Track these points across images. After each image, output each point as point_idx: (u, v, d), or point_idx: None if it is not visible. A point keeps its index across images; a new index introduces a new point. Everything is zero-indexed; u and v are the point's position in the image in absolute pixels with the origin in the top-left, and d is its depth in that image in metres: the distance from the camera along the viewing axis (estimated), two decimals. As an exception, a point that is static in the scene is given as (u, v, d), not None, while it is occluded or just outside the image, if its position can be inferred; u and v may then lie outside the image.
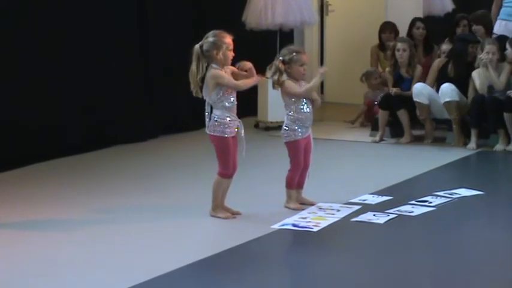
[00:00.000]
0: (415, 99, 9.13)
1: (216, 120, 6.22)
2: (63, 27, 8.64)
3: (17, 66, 8.22)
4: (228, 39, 6.22)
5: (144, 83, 9.70)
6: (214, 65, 6.19)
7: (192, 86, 6.19)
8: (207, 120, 6.27)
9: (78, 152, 8.70)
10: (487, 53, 8.87)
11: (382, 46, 10.67)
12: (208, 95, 6.21)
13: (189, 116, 9.92)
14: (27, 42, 8.29)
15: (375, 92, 10.18)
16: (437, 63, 9.35)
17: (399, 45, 9.50)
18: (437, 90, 9.17)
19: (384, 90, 10.04)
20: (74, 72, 8.77)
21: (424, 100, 9.10)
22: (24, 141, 8.23)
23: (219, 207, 6.35)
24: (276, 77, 6.50)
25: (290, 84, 6.48)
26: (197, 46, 6.21)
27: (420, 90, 9.12)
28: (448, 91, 8.97)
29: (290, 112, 6.53)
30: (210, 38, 6.21)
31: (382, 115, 9.40)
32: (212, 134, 6.25)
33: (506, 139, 8.76)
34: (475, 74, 8.98)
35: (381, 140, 9.36)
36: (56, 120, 8.56)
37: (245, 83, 6.30)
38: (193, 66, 6.18)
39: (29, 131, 8.30)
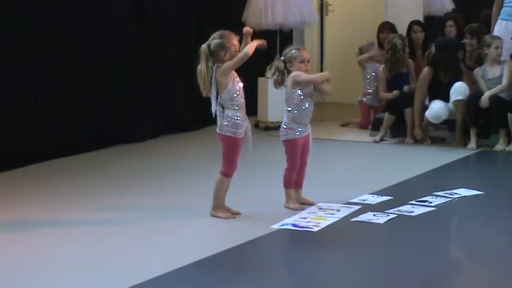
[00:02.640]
0: (432, 120, 9.04)
1: (229, 121, 6.21)
2: (64, 28, 8.65)
3: (17, 67, 8.22)
4: (235, 41, 6.21)
5: (144, 83, 9.70)
6: (220, 65, 6.17)
7: (202, 87, 6.14)
8: (218, 119, 6.24)
9: (78, 152, 8.71)
10: (495, 48, 8.90)
11: (380, 46, 10.67)
12: (220, 95, 6.19)
13: (189, 116, 9.92)
14: (26, 43, 8.29)
15: (371, 62, 10.21)
16: (425, 75, 9.15)
17: (396, 40, 9.50)
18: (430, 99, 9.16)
19: (376, 63, 10.15)
20: (73, 73, 8.77)
21: (437, 122, 9.07)
22: (24, 141, 8.23)
23: (220, 207, 6.35)
24: (275, 77, 6.52)
25: (298, 72, 6.48)
26: (205, 46, 6.15)
27: (439, 114, 8.97)
28: (462, 90, 8.93)
29: (290, 107, 6.53)
30: (217, 39, 6.16)
31: (388, 119, 9.36)
32: (223, 133, 6.23)
33: (506, 139, 8.76)
34: (476, 73, 9.00)
35: (381, 140, 9.36)
36: (56, 120, 8.56)
37: (249, 49, 6.16)
38: (203, 67, 6.12)
39: (29, 131, 8.31)
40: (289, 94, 6.54)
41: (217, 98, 6.22)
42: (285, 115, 6.58)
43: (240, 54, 6.16)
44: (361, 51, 10.44)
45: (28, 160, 8.18)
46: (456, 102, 8.94)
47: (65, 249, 5.69)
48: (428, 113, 9.01)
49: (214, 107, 6.25)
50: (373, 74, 10.22)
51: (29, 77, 8.32)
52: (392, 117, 9.36)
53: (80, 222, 6.33)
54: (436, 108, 8.98)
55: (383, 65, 9.73)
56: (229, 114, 6.21)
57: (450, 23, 10.32)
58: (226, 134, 6.22)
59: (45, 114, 8.46)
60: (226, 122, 6.21)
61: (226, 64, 6.15)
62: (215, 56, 6.16)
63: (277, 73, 6.53)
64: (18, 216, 6.50)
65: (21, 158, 8.12)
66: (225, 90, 6.17)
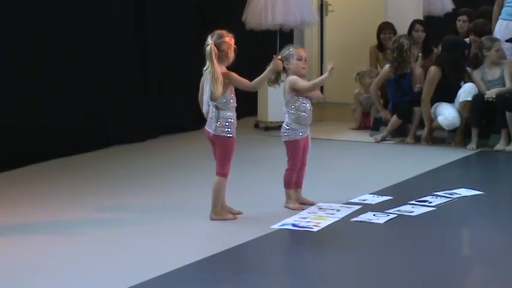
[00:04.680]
0: (446, 128, 9.00)
1: (226, 121, 6.19)
2: (64, 28, 8.64)
3: (18, 67, 8.22)
4: (232, 40, 6.20)
5: (144, 83, 9.70)
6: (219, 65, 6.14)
7: (216, 89, 5.99)
8: (213, 121, 6.20)
9: (78, 152, 8.71)
10: (496, 51, 8.90)
11: (380, 46, 10.69)
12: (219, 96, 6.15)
13: (189, 116, 9.92)
14: (26, 43, 8.28)
15: (367, 92, 10.17)
16: (434, 75, 9.07)
17: (403, 40, 9.45)
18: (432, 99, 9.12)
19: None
20: (74, 73, 8.77)
21: (450, 129, 9.07)
22: (24, 141, 8.23)
23: (223, 208, 6.32)
24: (272, 76, 6.49)
25: (295, 78, 6.48)
26: (212, 46, 6.03)
27: (454, 123, 8.92)
28: (472, 91, 8.91)
29: (291, 110, 6.52)
30: (219, 39, 6.15)
31: (395, 122, 9.33)
32: (220, 134, 6.19)
33: (507, 139, 8.75)
34: (475, 75, 9.00)
35: (382, 140, 9.35)
36: (56, 121, 8.56)
37: (260, 81, 6.26)
38: (217, 67, 6.01)
39: (29, 131, 8.31)
40: (288, 98, 6.53)
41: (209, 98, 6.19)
42: (287, 116, 6.57)
43: (252, 84, 6.20)
44: (360, 76, 10.37)
45: (28, 160, 8.18)
46: (464, 102, 8.91)
47: (65, 249, 5.69)
48: (443, 122, 8.95)
49: (206, 107, 6.22)
50: (369, 105, 10.22)
51: (29, 77, 8.32)
52: (399, 121, 9.34)
53: (79, 222, 6.33)
54: (451, 118, 8.92)
55: (387, 65, 9.66)
56: (226, 115, 6.18)
57: (464, 18, 10.29)
58: (223, 134, 6.20)
59: (46, 114, 8.46)
60: (221, 123, 6.18)
61: (233, 77, 6.13)
62: (221, 55, 6.10)
63: (272, 72, 6.50)
64: (18, 216, 6.50)
65: (21, 158, 8.13)
66: (223, 95, 6.13)
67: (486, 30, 9.52)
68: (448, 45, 9.22)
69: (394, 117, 9.37)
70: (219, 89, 6.02)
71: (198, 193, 6.97)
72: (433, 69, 9.14)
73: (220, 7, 10.39)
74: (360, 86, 10.35)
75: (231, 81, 6.14)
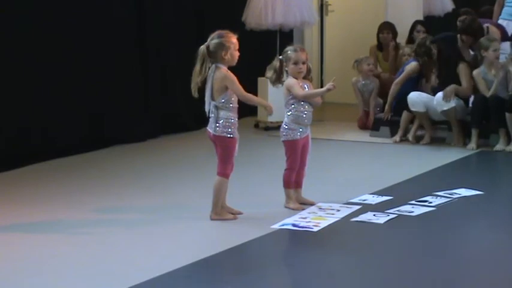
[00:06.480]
0: (412, 109, 9.08)
1: (227, 122, 6.18)
2: (64, 28, 8.65)
3: (18, 67, 8.22)
4: (234, 39, 6.20)
5: (144, 82, 9.71)
6: (220, 65, 6.16)
7: (192, 85, 6.14)
8: (213, 121, 6.22)
9: (77, 152, 8.71)
10: (493, 50, 8.89)
11: (380, 46, 10.68)
12: (216, 97, 6.16)
13: (189, 116, 9.92)
14: (26, 43, 8.29)
15: (364, 79, 10.17)
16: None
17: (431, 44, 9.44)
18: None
19: (373, 78, 10.08)
20: (74, 73, 8.77)
21: (420, 109, 9.07)
22: (24, 141, 8.23)
23: (223, 208, 6.32)
24: (270, 75, 6.49)
25: (292, 83, 6.49)
26: (203, 47, 6.14)
27: (415, 100, 9.06)
28: (444, 101, 8.92)
29: (290, 111, 6.53)
30: (216, 39, 6.15)
31: (406, 118, 9.33)
32: (220, 135, 6.20)
33: (506, 139, 8.76)
34: (476, 75, 9.00)
35: (401, 140, 9.31)
36: (55, 120, 8.57)
37: (251, 99, 6.32)
38: (197, 67, 6.12)
39: (29, 131, 8.31)
40: (287, 100, 6.55)
41: (210, 98, 6.20)
42: (286, 116, 6.58)
43: (244, 93, 6.20)
44: (357, 62, 10.35)
45: (28, 160, 8.18)
46: (443, 112, 8.94)
47: (65, 249, 5.69)
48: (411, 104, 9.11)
49: (208, 106, 6.23)
50: (367, 93, 10.20)
51: (29, 77, 8.32)
52: (410, 115, 9.32)
53: (79, 222, 6.33)
54: (412, 96, 9.08)
55: (413, 61, 9.55)
56: (225, 115, 6.18)
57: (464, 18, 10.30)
58: (222, 135, 6.19)
59: (45, 114, 8.46)
60: (221, 123, 6.17)
61: (231, 81, 6.12)
62: (215, 56, 6.15)
63: (272, 71, 6.51)
64: (18, 216, 6.50)
65: (21, 158, 8.12)
66: (222, 95, 6.15)
67: (474, 27, 9.45)
68: (440, 42, 9.24)
69: (404, 113, 9.33)
70: (192, 85, 6.11)
71: (198, 193, 6.97)
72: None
73: (220, 7, 10.40)
74: (358, 75, 10.34)
75: (227, 82, 6.14)
